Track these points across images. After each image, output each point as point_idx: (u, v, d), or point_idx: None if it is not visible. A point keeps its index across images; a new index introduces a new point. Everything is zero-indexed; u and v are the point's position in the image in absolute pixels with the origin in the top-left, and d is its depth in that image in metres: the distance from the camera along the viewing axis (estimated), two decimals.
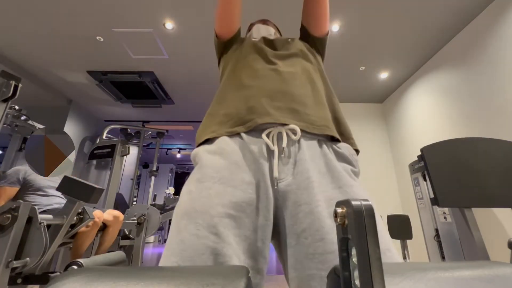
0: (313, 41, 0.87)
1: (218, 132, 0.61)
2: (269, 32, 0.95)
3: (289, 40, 0.84)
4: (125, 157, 4.09)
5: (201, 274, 0.32)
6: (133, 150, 4.86)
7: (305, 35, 0.89)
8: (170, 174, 9.07)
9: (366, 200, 0.26)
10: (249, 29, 1.01)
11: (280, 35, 1.02)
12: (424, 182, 2.66)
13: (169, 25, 2.67)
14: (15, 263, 1.09)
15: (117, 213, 2.18)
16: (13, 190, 1.91)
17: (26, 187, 1.95)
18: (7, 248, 1.07)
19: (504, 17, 2.21)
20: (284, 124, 0.58)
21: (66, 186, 1.33)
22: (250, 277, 0.32)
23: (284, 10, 2.47)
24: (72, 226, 1.49)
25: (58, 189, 1.34)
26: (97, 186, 1.36)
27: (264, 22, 1.00)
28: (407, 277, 0.32)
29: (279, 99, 0.62)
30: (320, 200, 0.51)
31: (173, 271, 0.33)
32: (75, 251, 1.80)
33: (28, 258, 1.14)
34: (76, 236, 1.79)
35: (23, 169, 1.97)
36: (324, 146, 0.59)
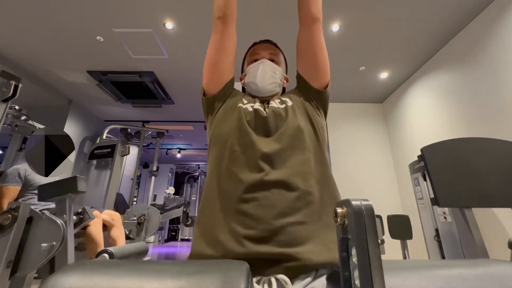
0: (313, 93, 0.78)
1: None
2: (275, 77, 0.82)
3: (285, 109, 0.72)
4: (125, 157, 4.09)
5: (202, 268, 0.31)
6: (133, 150, 4.86)
7: (304, 86, 0.80)
8: (170, 174, 9.07)
9: (366, 200, 0.26)
10: (254, 59, 0.86)
11: (285, 60, 0.92)
12: (424, 182, 2.66)
13: (169, 25, 2.67)
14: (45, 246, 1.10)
15: (113, 212, 2.22)
16: (17, 189, 1.93)
17: (25, 186, 1.96)
18: (7, 248, 1.07)
19: (504, 17, 2.21)
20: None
21: (47, 192, 1.31)
22: (251, 273, 0.32)
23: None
24: (74, 226, 1.49)
25: (40, 199, 1.32)
26: (77, 176, 1.34)
27: (273, 55, 0.86)
28: (408, 276, 0.32)
29: (268, 240, 0.55)
30: None
31: (173, 265, 0.33)
32: (93, 248, 1.85)
33: (54, 242, 1.15)
34: (86, 235, 1.83)
35: (23, 168, 1.98)
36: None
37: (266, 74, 0.81)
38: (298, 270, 0.53)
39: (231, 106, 0.75)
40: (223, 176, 0.65)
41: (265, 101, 0.78)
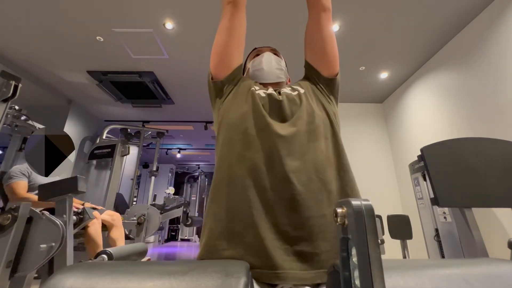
0: (323, 81, 0.76)
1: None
2: (280, 65, 0.85)
3: (298, 95, 0.71)
4: (125, 157, 4.09)
5: (202, 269, 0.31)
6: (133, 150, 4.86)
7: (312, 74, 0.78)
8: (170, 174, 9.06)
9: (366, 200, 0.26)
10: (256, 54, 0.89)
11: (286, 66, 0.93)
12: (424, 182, 2.65)
13: (169, 25, 2.67)
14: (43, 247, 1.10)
15: (113, 213, 2.23)
16: (25, 183, 1.95)
17: (28, 185, 1.97)
18: (7, 248, 1.07)
19: (504, 17, 2.21)
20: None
21: (47, 192, 1.31)
22: (250, 273, 0.32)
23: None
24: (73, 226, 1.49)
25: (40, 199, 1.32)
26: (77, 176, 1.36)
27: (275, 51, 0.89)
28: (408, 275, 0.32)
29: (286, 236, 0.52)
30: None
31: (173, 265, 0.33)
32: (92, 249, 1.85)
33: (53, 243, 1.14)
34: (86, 235, 1.84)
35: (25, 166, 1.99)
36: None
37: (272, 61, 0.83)
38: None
39: (242, 90, 0.73)
40: (234, 161, 0.60)
41: (276, 89, 0.75)
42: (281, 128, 0.62)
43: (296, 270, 0.50)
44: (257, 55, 0.87)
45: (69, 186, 1.31)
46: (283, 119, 0.65)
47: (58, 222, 1.19)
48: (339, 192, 0.60)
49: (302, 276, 0.49)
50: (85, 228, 1.92)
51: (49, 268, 1.33)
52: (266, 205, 0.54)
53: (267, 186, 0.55)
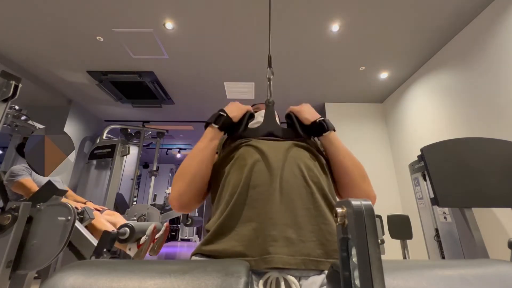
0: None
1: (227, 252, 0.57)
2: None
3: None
4: (125, 157, 4.09)
5: (202, 268, 0.31)
6: (133, 150, 4.86)
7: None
8: (170, 174, 9.06)
9: (366, 200, 0.26)
10: (255, 110, 0.99)
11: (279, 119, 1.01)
12: (424, 182, 2.65)
13: (169, 25, 2.67)
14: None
15: (113, 212, 2.22)
16: (31, 179, 1.95)
17: None
18: (7, 248, 1.07)
19: (504, 17, 2.21)
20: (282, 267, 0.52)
21: (37, 199, 1.36)
22: (251, 272, 0.32)
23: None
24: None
25: (33, 205, 1.36)
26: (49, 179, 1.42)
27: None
28: (408, 276, 0.32)
29: (274, 223, 0.55)
30: None
31: (173, 264, 0.33)
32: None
33: (69, 217, 1.21)
34: (92, 228, 1.82)
35: (26, 165, 2.00)
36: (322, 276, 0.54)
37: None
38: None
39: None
40: (230, 169, 0.68)
41: None
42: (269, 142, 0.72)
43: (282, 254, 0.52)
44: (256, 111, 0.98)
45: (50, 190, 1.38)
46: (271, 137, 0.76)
47: (68, 205, 1.23)
48: (320, 192, 0.63)
49: (287, 260, 0.51)
50: (87, 226, 1.92)
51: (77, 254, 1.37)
52: (257, 198, 0.59)
53: (257, 183, 0.61)
